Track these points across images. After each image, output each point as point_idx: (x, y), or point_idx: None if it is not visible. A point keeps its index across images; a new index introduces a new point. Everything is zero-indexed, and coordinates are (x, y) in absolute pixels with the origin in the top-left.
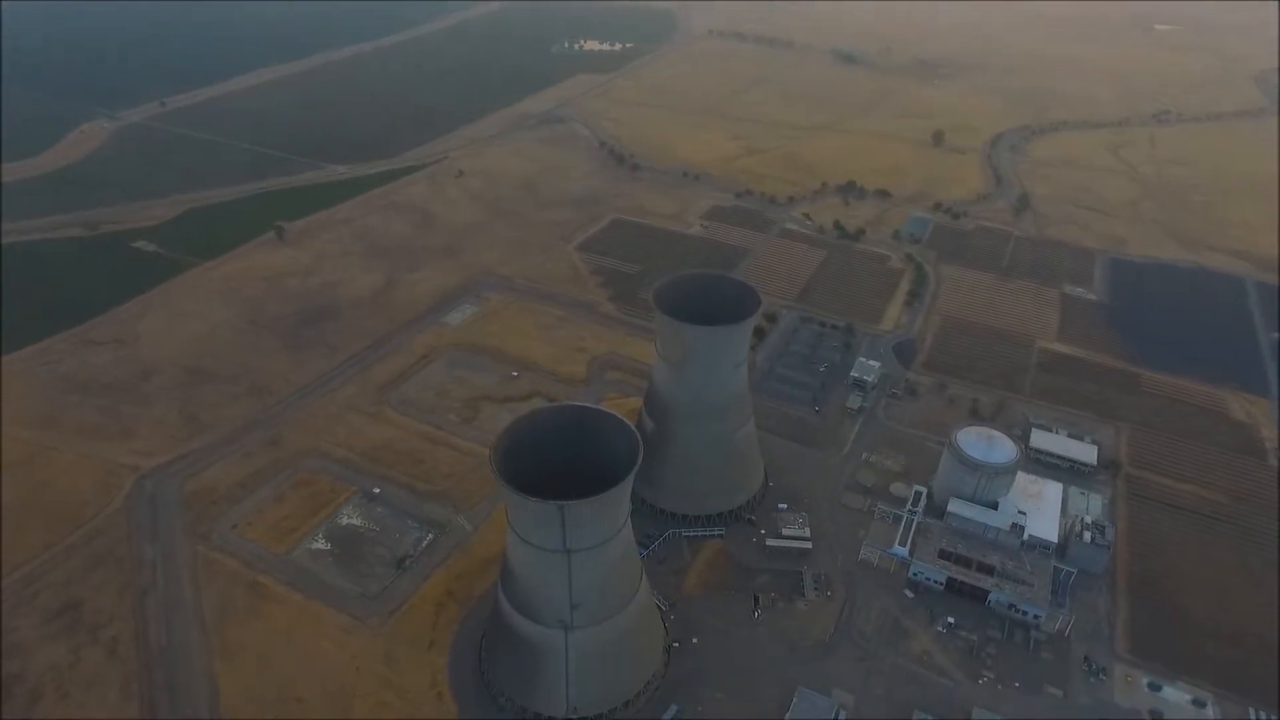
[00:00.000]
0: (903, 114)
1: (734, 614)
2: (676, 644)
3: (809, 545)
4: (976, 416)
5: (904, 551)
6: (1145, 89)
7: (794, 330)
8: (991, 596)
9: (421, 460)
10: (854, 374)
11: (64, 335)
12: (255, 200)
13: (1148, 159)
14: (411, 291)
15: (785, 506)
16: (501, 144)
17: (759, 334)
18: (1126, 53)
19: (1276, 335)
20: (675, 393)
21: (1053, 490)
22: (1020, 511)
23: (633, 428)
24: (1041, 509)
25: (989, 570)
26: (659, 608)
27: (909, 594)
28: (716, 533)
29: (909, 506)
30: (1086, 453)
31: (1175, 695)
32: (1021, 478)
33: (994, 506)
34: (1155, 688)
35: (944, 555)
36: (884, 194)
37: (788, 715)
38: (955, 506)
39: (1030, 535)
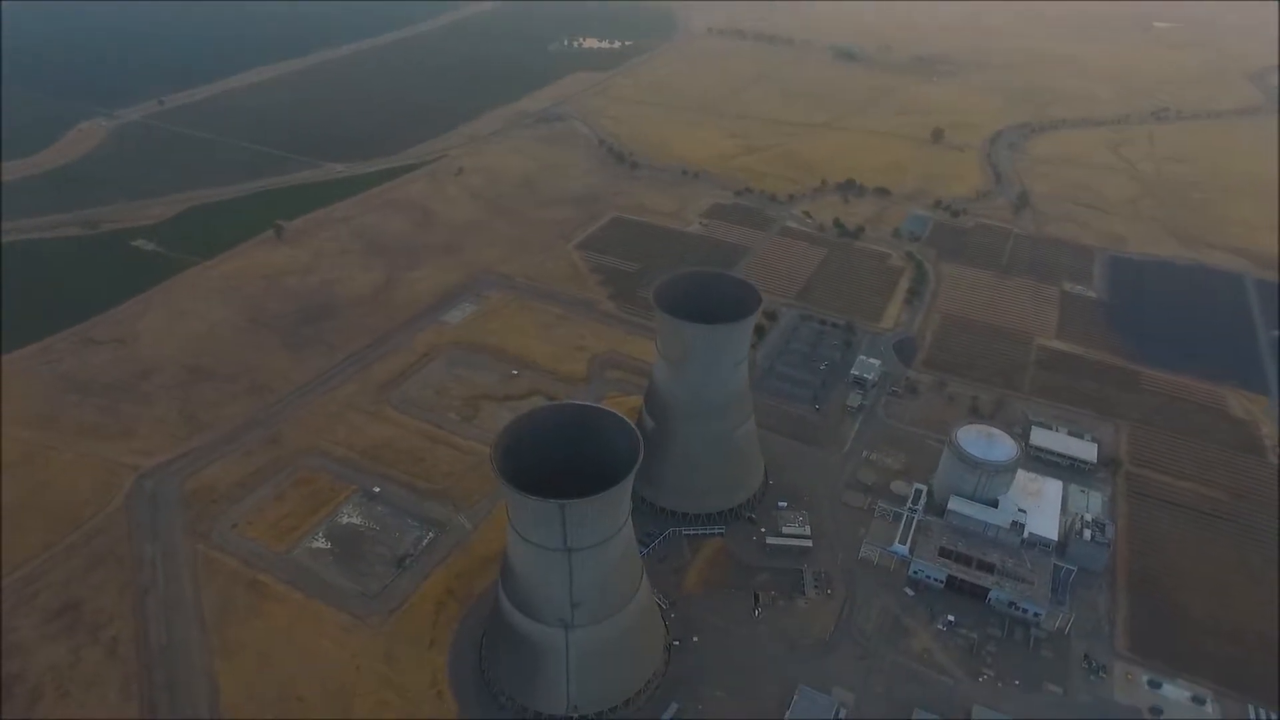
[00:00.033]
0: (902, 111)
1: (734, 612)
2: (677, 642)
3: (809, 543)
4: (976, 414)
5: (904, 549)
6: (1144, 87)
7: (794, 328)
8: (992, 594)
9: (422, 459)
10: (854, 372)
11: (63, 334)
12: (254, 199)
13: (1147, 156)
14: (411, 290)
15: (785, 504)
16: (501, 142)
17: (759, 332)
18: (1126, 51)
19: (1276, 333)
20: (675, 391)
21: (1053, 488)
22: (1020, 509)
23: (633, 426)
24: (1041, 507)
25: (989, 568)
26: (659, 606)
27: (909, 592)
28: (717, 531)
29: (909, 504)
30: (1086, 450)
31: (1175, 692)
32: (1021, 475)
33: (994, 504)
34: (1155, 685)
35: (944, 553)
36: (883, 191)
37: (788, 713)
38: (955, 504)
39: (1030, 533)
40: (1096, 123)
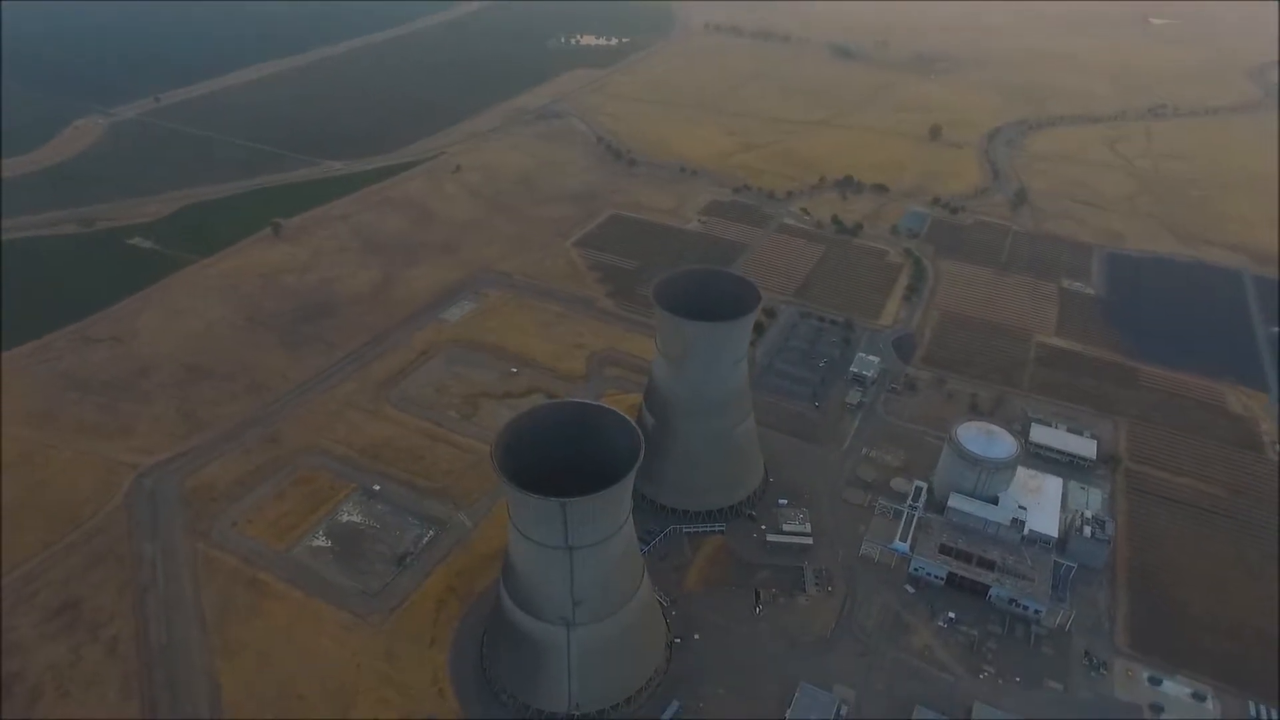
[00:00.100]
0: (900, 109)
1: (735, 610)
2: (678, 640)
3: (809, 541)
4: (976, 411)
5: (904, 547)
6: (1141, 84)
7: (793, 325)
8: (992, 591)
9: (421, 457)
10: (853, 369)
11: (62, 332)
12: (251, 196)
13: (1144, 153)
14: (409, 288)
15: (786, 502)
16: (499, 139)
17: (758, 329)
18: (1123, 47)
19: (1275, 329)
20: (675, 389)
21: (1052, 485)
22: (1020, 506)
23: (634, 424)
24: (1041, 504)
25: (989, 565)
26: (660, 604)
27: (910, 589)
28: (717, 529)
29: (909, 502)
30: (1086, 447)
31: (1175, 689)
32: (1021, 472)
33: (994, 501)
34: (1155, 681)
35: (944, 550)
36: (881, 189)
37: (789, 711)
38: (955, 501)
39: (1030, 530)
40: (1094, 119)
